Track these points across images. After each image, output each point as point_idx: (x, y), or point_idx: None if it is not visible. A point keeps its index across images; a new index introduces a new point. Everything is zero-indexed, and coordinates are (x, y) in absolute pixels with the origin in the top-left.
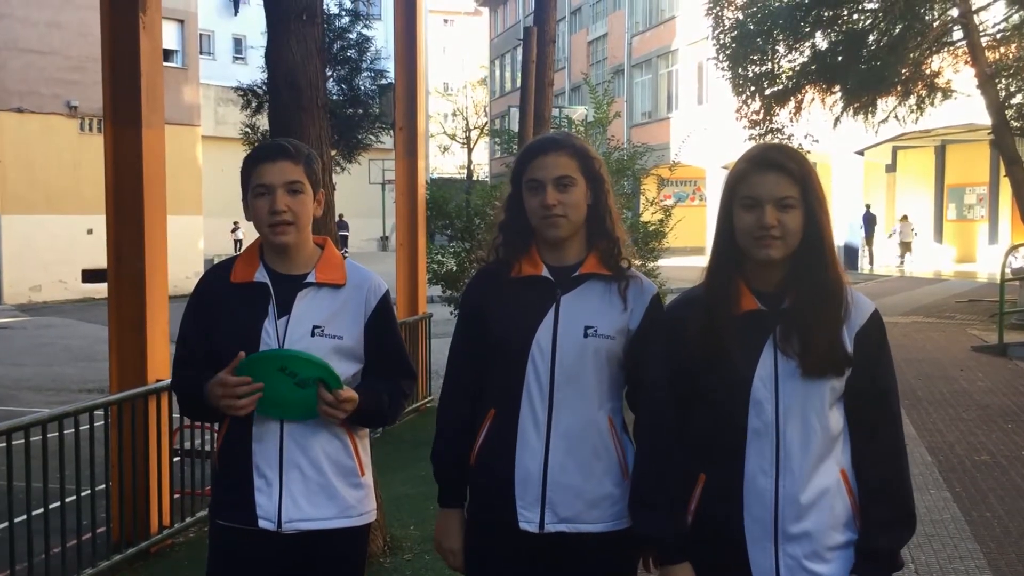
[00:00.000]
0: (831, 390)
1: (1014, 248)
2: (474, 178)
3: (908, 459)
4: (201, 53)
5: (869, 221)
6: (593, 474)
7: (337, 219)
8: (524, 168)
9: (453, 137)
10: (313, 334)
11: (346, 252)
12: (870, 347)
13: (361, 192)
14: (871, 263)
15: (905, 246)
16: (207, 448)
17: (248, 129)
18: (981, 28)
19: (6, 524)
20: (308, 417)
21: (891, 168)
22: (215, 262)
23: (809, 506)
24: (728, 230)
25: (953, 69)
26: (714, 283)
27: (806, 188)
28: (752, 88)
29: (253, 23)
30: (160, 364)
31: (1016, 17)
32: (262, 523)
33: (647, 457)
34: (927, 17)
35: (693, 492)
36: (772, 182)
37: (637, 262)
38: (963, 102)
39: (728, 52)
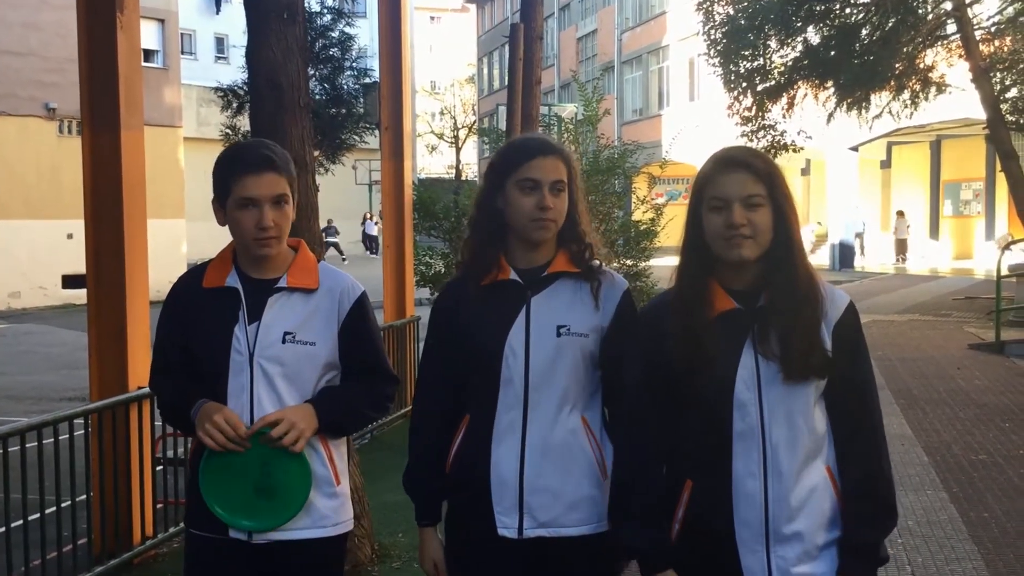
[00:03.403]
0: (815, 389)
1: (1012, 243)
2: (463, 178)
3: (888, 452)
4: (183, 53)
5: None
6: (571, 476)
7: (325, 225)
8: (515, 167)
9: (441, 136)
10: (284, 340)
11: (345, 258)
12: (847, 340)
13: (347, 194)
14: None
15: (901, 243)
16: None
17: (229, 130)
18: (975, 21)
19: None
20: (228, 519)
21: (886, 164)
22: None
23: (799, 507)
24: (697, 234)
25: (947, 63)
26: (685, 285)
27: (772, 185)
28: (744, 84)
29: (235, 22)
30: (142, 371)
31: (1010, 10)
32: (233, 533)
33: (628, 463)
34: (920, 11)
35: (680, 498)
36: (738, 181)
37: (628, 262)
38: (958, 96)
39: (719, 48)
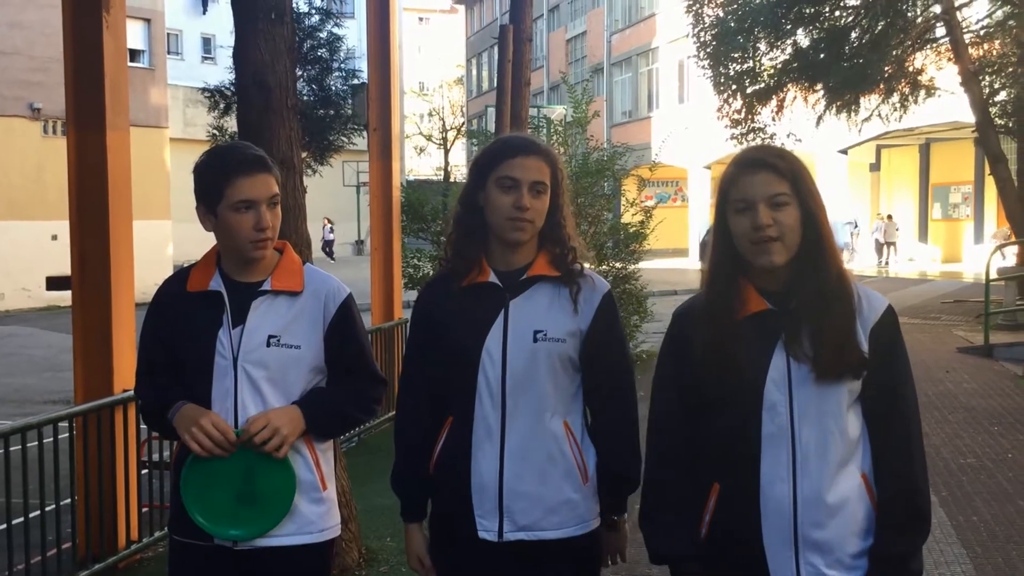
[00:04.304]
0: (848, 392)
1: (1004, 244)
2: (451, 180)
3: (925, 459)
4: (169, 53)
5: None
6: (551, 480)
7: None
8: (496, 164)
9: (429, 138)
10: (269, 344)
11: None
12: (885, 344)
13: (335, 195)
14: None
15: (889, 246)
16: None
17: (216, 131)
18: (964, 25)
19: None
20: (213, 529)
21: (875, 167)
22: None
23: (831, 513)
24: (726, 237)
25: (936, 66)
26: (717, 287)
27: (797, 184)
28: (734, 87)
29: (222, 22)
30: (127, 374)
31: (999, 13)
32: (217, 540)
33: (649, 466)
34: (909, 14)
35: (707, 502)
36: (761, 181)
37: (617, 264)
38: (947, 100)
39: (709, 50)
